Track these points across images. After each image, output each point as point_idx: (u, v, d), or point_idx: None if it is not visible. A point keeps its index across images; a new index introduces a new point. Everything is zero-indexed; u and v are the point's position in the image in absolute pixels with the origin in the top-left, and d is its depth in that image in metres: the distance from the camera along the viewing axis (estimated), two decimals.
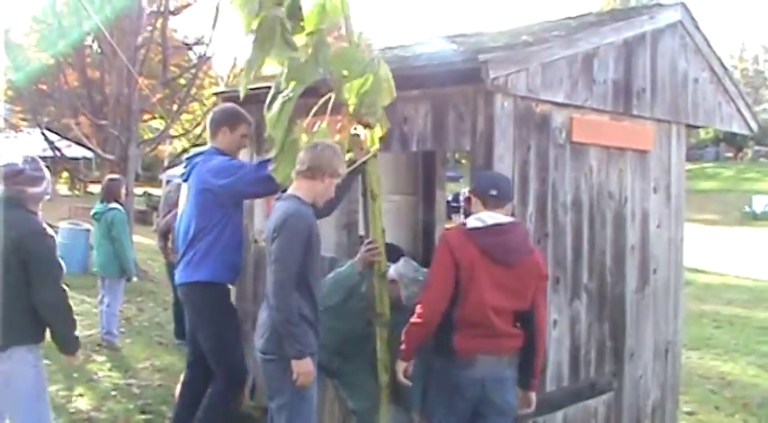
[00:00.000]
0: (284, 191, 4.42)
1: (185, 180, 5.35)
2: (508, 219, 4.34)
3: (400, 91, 4.46)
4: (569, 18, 6.62)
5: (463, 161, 39.81)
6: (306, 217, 4.17)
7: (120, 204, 9.38)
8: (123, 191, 9.63)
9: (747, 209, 43.68)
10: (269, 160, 4.63)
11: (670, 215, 6.34)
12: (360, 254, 4.61)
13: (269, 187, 4.68)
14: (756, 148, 65.10)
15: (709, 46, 6.43)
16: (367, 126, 4.40)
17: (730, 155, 68.42)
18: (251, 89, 4.55)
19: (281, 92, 4.36)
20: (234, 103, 5.43)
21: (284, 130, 4.37)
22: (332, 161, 4.25)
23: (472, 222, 4.26)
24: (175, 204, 9.76)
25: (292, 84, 4.32)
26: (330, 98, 4.36)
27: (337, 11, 4.37)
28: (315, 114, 4.45)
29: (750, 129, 7.09)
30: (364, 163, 4.50)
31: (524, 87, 4.80)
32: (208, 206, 5.00)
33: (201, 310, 5.13)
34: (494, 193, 4.29)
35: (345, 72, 4.28)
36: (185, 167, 5.33)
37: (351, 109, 4.34)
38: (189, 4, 17.67)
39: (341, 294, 4.66)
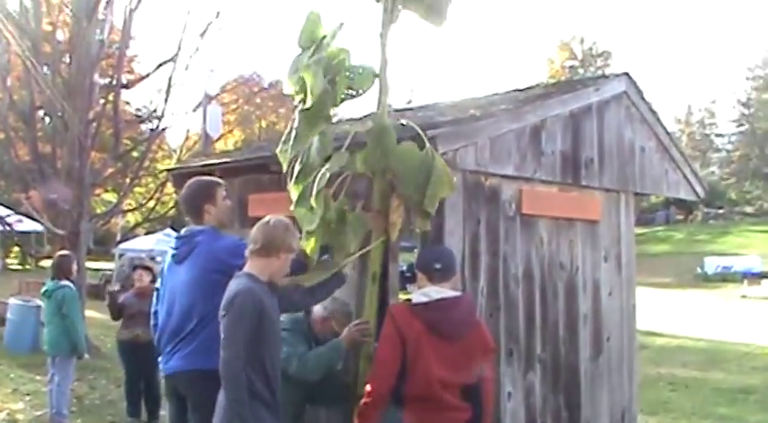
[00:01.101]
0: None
1: (180, 261, 4.87)
2: (454, 293, 4.34)
3: None
4: (517, 90, 6.74)
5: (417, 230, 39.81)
6: (255, 295, 4.12)
7: (71, 281, 9.22)
8: (74, 267, 9.47)
9: (699, 270, 44.21)
10: None
11: (621, 283, 6.39)
12: (347, 332, 4.58)
13: (294, 265, 4.50)
14: (706, 210, 66.25)
15: (655, 115, 6.57)
16: (426, 215, 4.36)
17: (681, 217, 69.50)
18: (206, 165, 4.54)
19: (309, 165, 4.33)
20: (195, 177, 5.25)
21: (324, 204, 4.31)
22: (285, 237, 4.23)
23: (417, 297, 4.27)
24: (129, 279, 9.66)
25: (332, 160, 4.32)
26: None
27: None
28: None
29: (697, 194, 7.23)
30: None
31: (473, 161, 4.86)
32: (217, 289, 4.56)
33: (211, 400, 4.62)
34: (438, 266, 4.30)
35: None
36: (178, 248, 4.88)
37: (409, 200, 4.34)
38: (142, 78, 17.70)
39: (322, 372, 4.64)
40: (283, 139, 4.48)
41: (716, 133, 77.43)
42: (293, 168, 4.41)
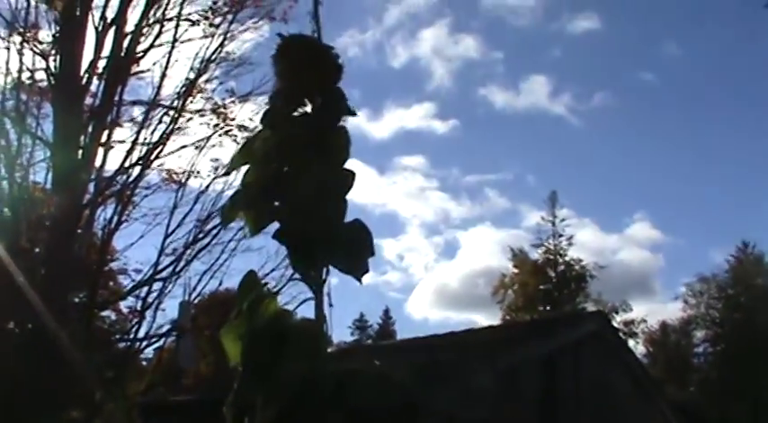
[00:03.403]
0: None
1: None
2: None
3: None
4: (491, 327, 6.73)
5: None
6: None
7: None
8: None
9: None
10: None
11: None
12: None
13: None
14: None
15: (629, 352, 6.56)
16: None
17: None
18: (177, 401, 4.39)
19: None
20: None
21: None
22: None
23: None
24: None
25: None
26: None
27: None
28: None
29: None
30: None
31: (446, 404, 4.76)
32: None
33: None
34: None
35: None
36: None
37: None
38: (118, 299, 17.67)
39: None
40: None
41: (693, 353, 77.32)
42: None
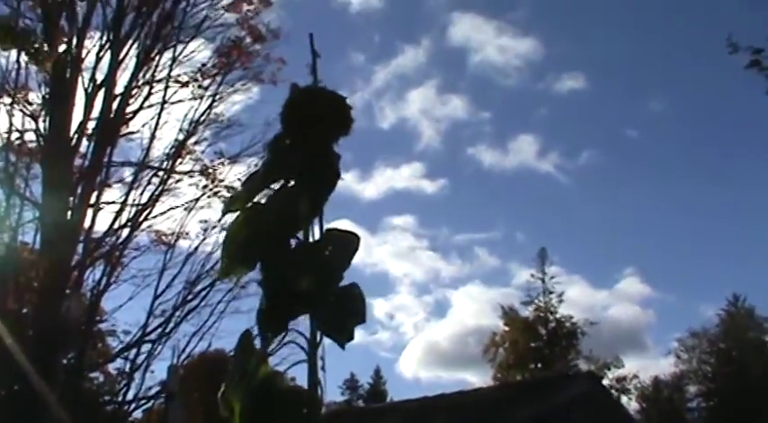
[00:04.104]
0: None
1: None
2: None
3: None
4: (482, 388, 6.68)
5: None
6: None
7: None
8: None
9: None
10: None
11: None
12: None
13: None
14: None
15: (622, 410, 6.51)
16: None
17: None
18: None
19: None
20: None
21: None
22: None
23: None
24: None
25: None
26: None
27: None
28: None
29: None
30: None
31: None
32: None
33: None
34: None
35: None
36: None
37: None
38: (106, 362, 17.49)
39: None
40: None
41: (686, 408, 76.76)
42: None
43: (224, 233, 2.01)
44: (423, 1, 68.45)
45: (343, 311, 1.95)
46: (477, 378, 49.76)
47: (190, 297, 15.56)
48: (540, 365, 43.93)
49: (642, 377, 48.09)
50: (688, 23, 63.97)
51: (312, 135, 1.90)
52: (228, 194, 15.70)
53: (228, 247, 1.89)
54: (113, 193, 15.63)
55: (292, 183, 1.87)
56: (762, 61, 6.90)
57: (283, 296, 1.91)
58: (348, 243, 1.92)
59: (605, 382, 44.01)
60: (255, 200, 1.90)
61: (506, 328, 45.61)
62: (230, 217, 1.97)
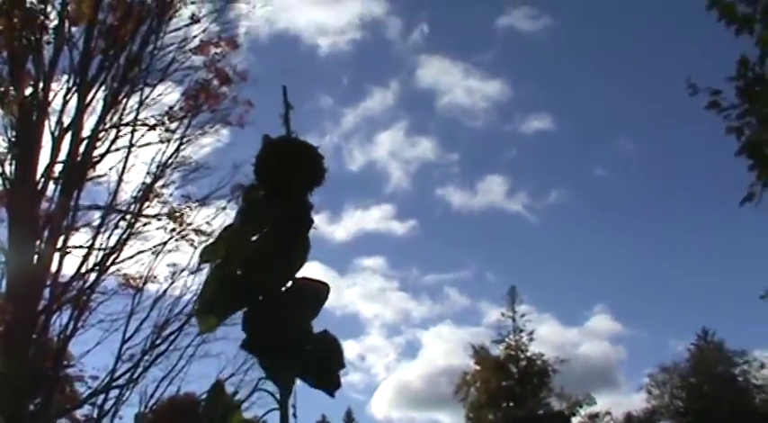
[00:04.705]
0: None
1: None
2: None
3: None
4: None
5: None
6: None
7: None
8: None
9: None
10: None
11: None
12: None
13: None
14: None
15: None
16: None
17: None
18: None
19: None
20: None
21: None
22: None
23: None
24: None
25: None
26: None
27: None
28: None
29: None
30: None
31: None
32: None
33: None
34: None
35: None
36: None
37: None
38: (73, 408, 17.20)
39: None
40: None
41: None
42: None
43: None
44: (391, 44, 69.25)
45: (323, 360, 1.94)
46: (450, 418, 49.59)
47: (158, 341, 15.39)
48: (512, 404, 43.82)
49: (615, 413, 48.03)
50: (651, 65, 65.32)
51: (286, 187, 1.90)
52: (197, 238, 15.66)
53: (205, 299, 1.89)
54: (80, 237, 15.47)
55: (266, 232, 1.88)
56: (720, 102, 7.03)
57: (268, 350, 1.90)
58: (318, 292, 1.92)
59: (578, 419, 44.13)
60: (231, 250, 1.90)
61: (477, 368, 45.49)
62: (206, 267, 1.97)
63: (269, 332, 1.88)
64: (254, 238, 1.90)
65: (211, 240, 2.14)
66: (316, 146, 1.93)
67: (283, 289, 1.91)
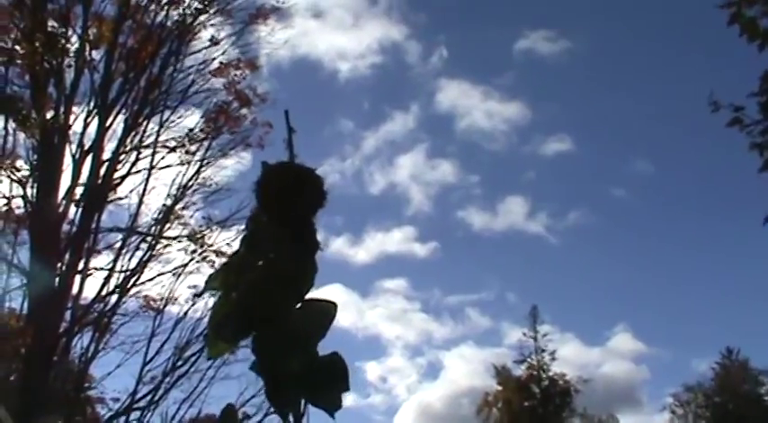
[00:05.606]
0: None
1: None
2: None
3: None
4: None
5: None
6: None
7: None
8: None
9: None
10: None
11: None
12: None
13: None
14: None
15: None
16: None
17: None
18: None
19: None
20: None
21: None
22: None
23: None
24: None
25: None
26: None
27: None
28: None
29: None
30: None
31: None
32: None
33: None
34: None
35: None
36: None
37: None
38: None
39: None
40: None
41: None
42: None
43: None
44: (410, 68, 69.19)
45: (328, 382, 1.92)
46: None
47: (179, 363, 15.39)
48: None
49: None
50: (670, 85, 64.98)
51: (287, 212, 1.89)
52: (218, 260, 15.67)
53: (212, 325, 1.87)
54: (102, 260, 15.56)
55: (271, 258, 1.87)
56: (742, 118, 6.96)
57: (276, 376, 1.89)
58: (325, 312, 1.91)
59: None
60: (235, 277, 1.89)
61: (499, 388, 45.19)
62: (212, 294, 1.95)
63: (273, 355, 1.87)
64: (259, 263, 1.89)
65: (216, 269, 2.13)
66: (314, 168, 1.92)
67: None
